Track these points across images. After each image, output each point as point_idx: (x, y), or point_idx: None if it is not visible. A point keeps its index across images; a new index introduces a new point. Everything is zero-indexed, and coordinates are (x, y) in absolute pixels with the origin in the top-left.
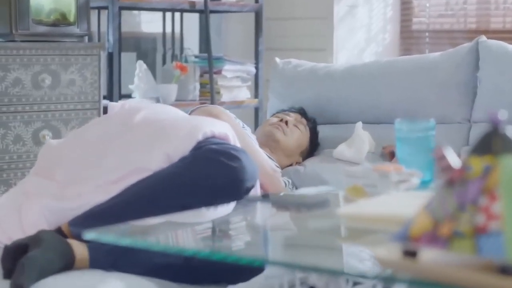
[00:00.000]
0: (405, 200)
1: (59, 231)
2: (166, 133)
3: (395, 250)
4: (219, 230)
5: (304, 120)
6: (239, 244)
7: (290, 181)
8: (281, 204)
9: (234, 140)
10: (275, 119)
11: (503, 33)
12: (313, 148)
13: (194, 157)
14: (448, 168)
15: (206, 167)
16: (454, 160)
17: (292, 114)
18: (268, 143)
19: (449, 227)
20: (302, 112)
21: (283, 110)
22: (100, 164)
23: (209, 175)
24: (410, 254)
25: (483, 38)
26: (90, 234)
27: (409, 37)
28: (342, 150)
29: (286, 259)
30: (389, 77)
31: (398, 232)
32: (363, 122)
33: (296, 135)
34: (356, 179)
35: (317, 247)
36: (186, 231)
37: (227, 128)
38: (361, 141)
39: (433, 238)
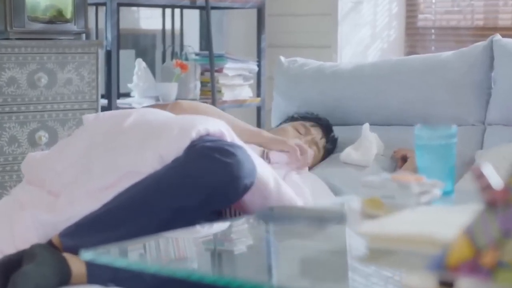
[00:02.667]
0: (433, 216)
1: (50, 244)
2: (157, 133)
3: (429, 279)
4: (222, 249)
5: (323, 142)
6: (243, 265)
7: None
8: (293, 218)
9: (231, 137)
10: (292, 136)
11: (511, 30)
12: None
13: (187, 156)
14: (488, 188)
15: (200, 165)
16: (494, 179)
17: (313, 131)
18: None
19: (492, 256)
20: (327, 129)
21: (310, 118)
22: (90, 170)
23: (204, 174)
24: (447, 284)
25: (497, 36)
26: (87, 255)
27: (414, 34)
28: (349, 153)
29: (297, 285)
30: (399, 76)
31: (433, 259)
32: (372, 124)
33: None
34: (373, 190)
35: (334, 271)
36: (187, 249)
37: (222, 125)
38: (369, 143)
39: (474, 268)
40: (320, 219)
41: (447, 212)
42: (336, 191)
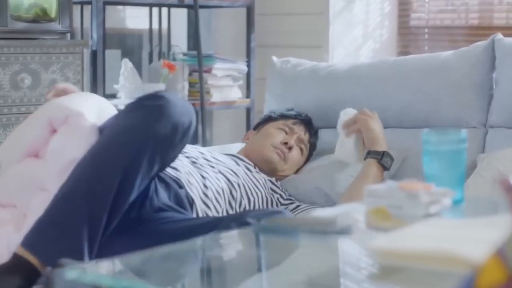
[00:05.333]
0: (449, 230)
1: (15, 256)
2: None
3: None
4: (210, 268)
5: (307, 137)
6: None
7: (286, 193)
8: (293, 231)
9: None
10: (280, 137)
11: (506, 29)
12: (307, 161)
13: (120, 113)
14: None
15: (135, 115)
16: None
17: (297, 129)
18: (263, 165)
19: None
20: (308, 124)
21: (290, 116)
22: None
23: (139, 124)
24: None
25: (499, 35)
26: (72, 273)
27: (407, 34)
28: (338, 154)
29: None
30: (397, 77)
31: (461, 282)
32: None
33: (296, 158)
34: (378, 199)
35: None
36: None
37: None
38: (349, 141)
39: None
40: (323, 231)
41: (464, 226)
42: (326, 198)
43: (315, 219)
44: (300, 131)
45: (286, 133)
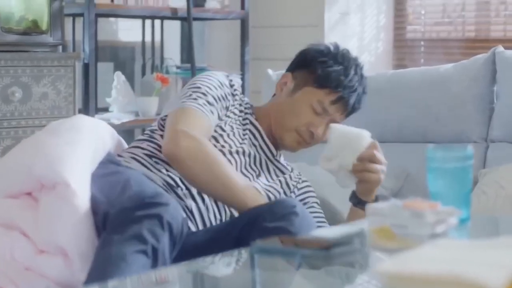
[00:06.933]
0: (461, 252)
1: None
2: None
3: None
4: None
5: (342, 117)
6: None
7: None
8: (295, 252)
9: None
10: (307, 118)
11: (504, 42)
12: None
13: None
14: None
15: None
16: None
17: (333, 109)
18: (279, 142)
19: None
20: (352, 100)
21: (336, 88)
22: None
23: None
24: None
25: (500, 48)
26: None
27: (402, 46)
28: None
29: None
30: (396, 91)
31: None
32: None
33: (318, 139)
34: (382, 218)
35: None
36: None
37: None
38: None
39: None
40: (325, 256)
41: (474, 247)
42: (336, 214)
43: (317, 240)
44: (336, 111)
45: (317, 113)
